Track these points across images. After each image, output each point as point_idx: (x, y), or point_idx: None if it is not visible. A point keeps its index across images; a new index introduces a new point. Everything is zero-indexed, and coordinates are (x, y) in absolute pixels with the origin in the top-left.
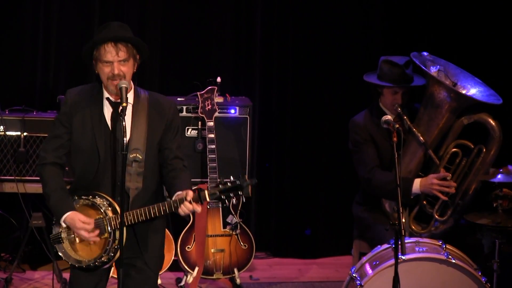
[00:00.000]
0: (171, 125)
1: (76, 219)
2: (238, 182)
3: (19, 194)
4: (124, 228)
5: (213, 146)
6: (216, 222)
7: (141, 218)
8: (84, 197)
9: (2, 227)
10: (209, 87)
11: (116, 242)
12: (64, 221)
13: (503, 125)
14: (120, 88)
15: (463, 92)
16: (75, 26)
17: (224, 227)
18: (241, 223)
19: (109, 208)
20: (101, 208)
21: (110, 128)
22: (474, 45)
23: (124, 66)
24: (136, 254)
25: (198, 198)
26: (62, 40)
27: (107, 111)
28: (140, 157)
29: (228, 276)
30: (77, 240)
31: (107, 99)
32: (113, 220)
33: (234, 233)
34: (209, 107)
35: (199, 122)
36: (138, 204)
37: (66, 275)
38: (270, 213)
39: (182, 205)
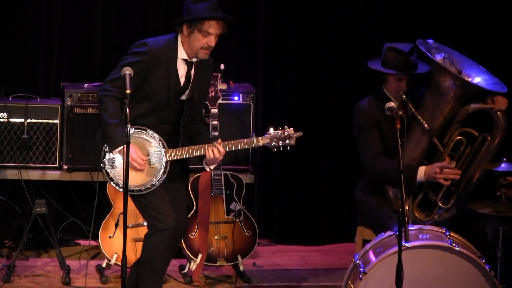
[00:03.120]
0: (207, 82)
1: (132, 150)
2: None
3: (22, 181)
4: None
5: (217, 133)
6: (219, 209)
7: (186, 155)
8: (139, 130)
9: (5, 214)
10: (213, 74)
11: (161, 172)
12: (118, 152)
13: (508, 114)
14: (124, 75)
15: (469, 80)
16: (79, 12)
17: (228, 214)
18: (244, 210)
19: (160, 143)
20: (152, 141)
21: (182, 84)
22: (479, 33)
23: (215, 40)
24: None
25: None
26: (66, 26)
27: (183, 69)
28: (192, 104)
29: (232, 263)
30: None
31: (184, 60)
32: (163, 153)
33: (237, 220)
34: (213, 94)
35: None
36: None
37: (69, 262)
38: (273, 200)
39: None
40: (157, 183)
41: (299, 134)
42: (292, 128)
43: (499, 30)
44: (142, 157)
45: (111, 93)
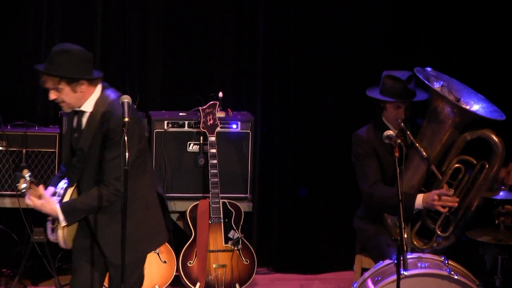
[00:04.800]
0: (106, 138)
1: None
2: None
3: (20, 209)
4: None
5: (215, 161)
6: (217, 237)
7: None
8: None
9: (3, 242)
10: (211, 102)
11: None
12: None
13: (506, 141)
14: (123, 103)
15: (467, 107)
16: (77, 41)
17: (226, 242)
18: (242, 238)
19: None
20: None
21: (75, 134)
22: (477, 61)
23: (59, 93)
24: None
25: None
26: None
27: (75, 118)
28: (82, 156)
29: None
30: None
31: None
32: None
33: (235, 248)
34: (211, 122)
35: (201, 137)
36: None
37: None
38: (272, 228)
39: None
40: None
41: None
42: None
43: (498, 58)
44: (35, 200)
45: None
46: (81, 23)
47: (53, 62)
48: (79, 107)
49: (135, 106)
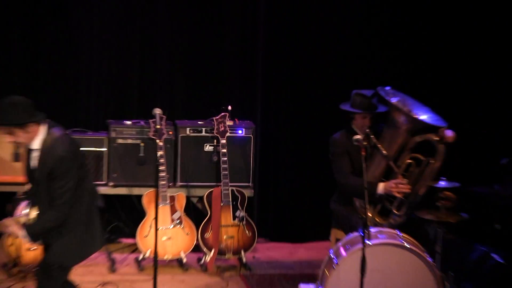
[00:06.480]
0: (50, 172)
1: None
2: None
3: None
4: None
5: (225, 158)
6: (227, 215)
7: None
8: None
9: None
10: (222, 113)
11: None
12: None
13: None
14: (154, 114)
15: (417, 117)
16: (120, 63)
17: (234, 219)
18: (246, 216)
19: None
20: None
21: (30, 165)
22: (426, 81)
23: (14, 136)
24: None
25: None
26: (111, 77)
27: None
28: (36, 185)
29: (237, 256)
30: None
31: None
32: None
33: (241, 223)
34: (222, 128)
35: (215, 140)
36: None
37: (114, 255)
38: (269, 209)
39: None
40: None
41: None
42: None
43: (444, 76)
44: (14, 226)
45: None
46: (122, 47)
47: (2, 112)
48: (30, 145)
49: (72, 137)
